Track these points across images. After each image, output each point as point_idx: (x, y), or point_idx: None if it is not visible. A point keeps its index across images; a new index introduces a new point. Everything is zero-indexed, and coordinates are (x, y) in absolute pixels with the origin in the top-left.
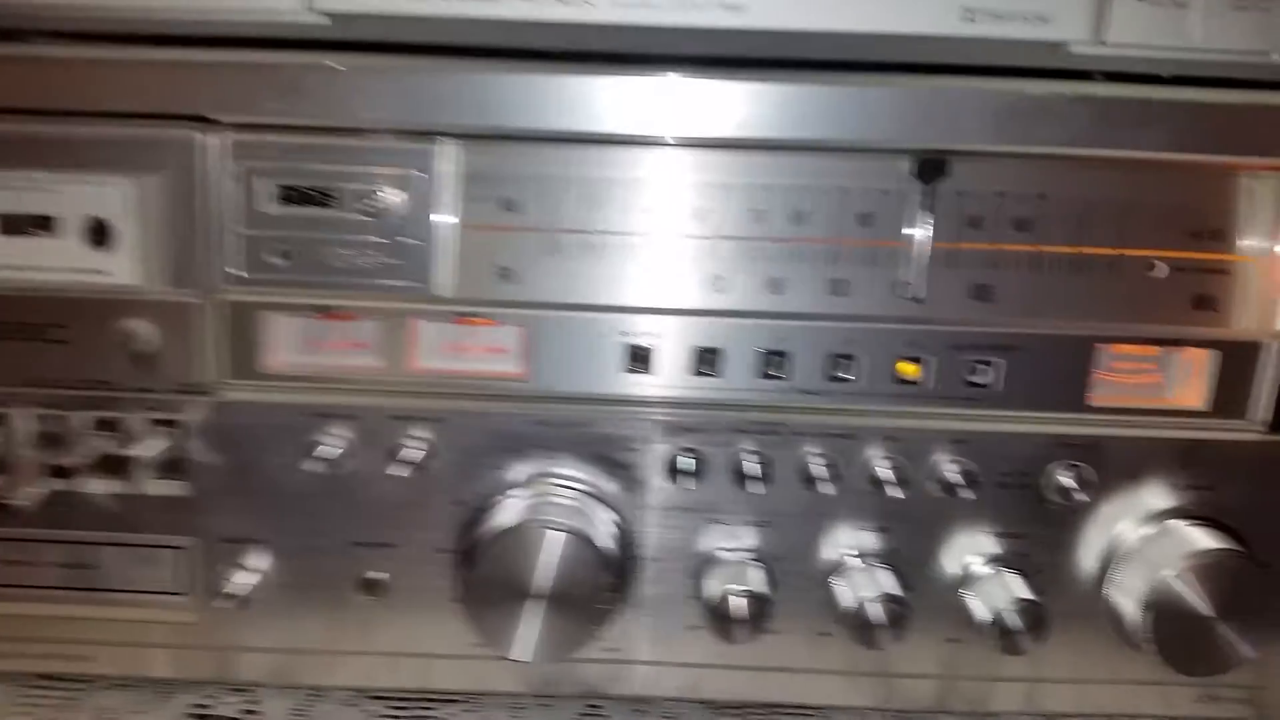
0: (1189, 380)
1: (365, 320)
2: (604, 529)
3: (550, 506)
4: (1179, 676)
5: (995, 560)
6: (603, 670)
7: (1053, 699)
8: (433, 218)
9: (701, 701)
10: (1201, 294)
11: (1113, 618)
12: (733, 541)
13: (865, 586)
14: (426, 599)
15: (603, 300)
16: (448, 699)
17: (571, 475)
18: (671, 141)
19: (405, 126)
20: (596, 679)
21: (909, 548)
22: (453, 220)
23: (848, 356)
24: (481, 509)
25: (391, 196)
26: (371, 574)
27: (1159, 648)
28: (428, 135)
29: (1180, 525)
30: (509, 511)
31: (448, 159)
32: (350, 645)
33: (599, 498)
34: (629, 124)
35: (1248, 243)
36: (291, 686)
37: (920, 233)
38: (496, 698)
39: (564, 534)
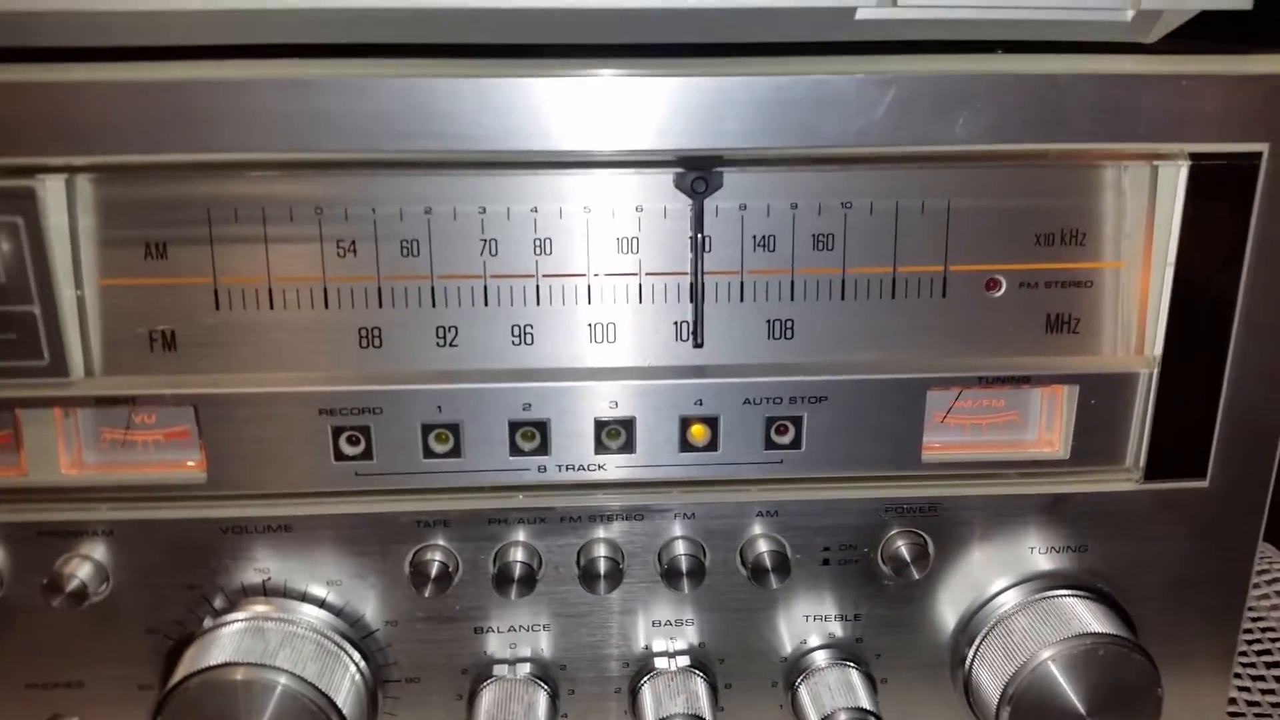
0: (1046, 423)
1: None
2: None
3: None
4: None
5: (830, 648)
6: None
7: None
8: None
9: None
10: (1056, 313)
11: (971, 707)
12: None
13: (673, 695)
14: None
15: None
16: None
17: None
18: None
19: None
20: None
21: (722, 641)
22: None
23: (623, 422)
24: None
25: None
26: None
27: None
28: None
29: (1047, 599)
30: (210, 649)
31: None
32: None
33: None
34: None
35: (1112, 245)
36: None
37: (693, 259)
38: None
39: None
